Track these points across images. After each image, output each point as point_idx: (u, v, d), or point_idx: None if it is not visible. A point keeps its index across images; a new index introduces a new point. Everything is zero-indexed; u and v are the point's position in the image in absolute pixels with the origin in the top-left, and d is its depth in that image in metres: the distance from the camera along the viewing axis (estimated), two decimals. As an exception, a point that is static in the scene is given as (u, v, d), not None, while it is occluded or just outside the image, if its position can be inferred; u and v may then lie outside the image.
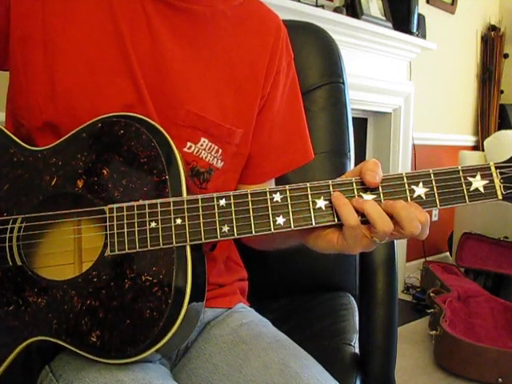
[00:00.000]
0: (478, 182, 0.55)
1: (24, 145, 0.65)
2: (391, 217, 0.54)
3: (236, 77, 0.74)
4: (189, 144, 0.70)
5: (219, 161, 0.73)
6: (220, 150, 0.72)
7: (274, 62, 0.77)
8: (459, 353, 1.87)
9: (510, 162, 0.55)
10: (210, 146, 0.71)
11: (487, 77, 3.31)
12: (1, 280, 0.61)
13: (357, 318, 0.99)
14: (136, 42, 0.68)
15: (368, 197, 0.56)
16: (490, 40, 3.31)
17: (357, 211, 0.54)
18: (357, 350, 0.89)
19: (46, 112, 0.67)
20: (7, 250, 0.61)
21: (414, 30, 2.55)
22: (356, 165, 1.12)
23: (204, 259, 0.61)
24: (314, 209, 0.56)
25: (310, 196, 0.57)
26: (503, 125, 3.26)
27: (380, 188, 0.56)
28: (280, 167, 0.81)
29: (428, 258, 2.98)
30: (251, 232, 0.56)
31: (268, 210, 0.57)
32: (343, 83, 1.09)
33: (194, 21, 0.72)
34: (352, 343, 0.90)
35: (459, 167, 0.56)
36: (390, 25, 2.47)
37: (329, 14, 2.13)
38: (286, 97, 0.80)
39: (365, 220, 0.54)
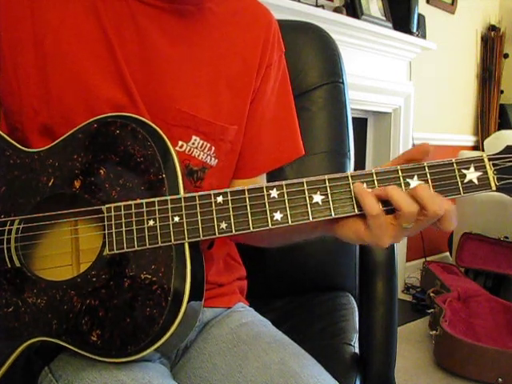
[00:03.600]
0: (472, 174, 0.55)
1: (20, 147, 0.65)
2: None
3: (229, 73, 0.74)
4: (180, 143, 0.70)
5: (213, 158, 0.73)
6: (213, 148, 0.72)
7: (266, 55, 0.77)
8: (459, 353, 1.87)
9: (503, 154, 0.56)
10: (202, 144, 0.71)
11: (487, 77, 3.31)
12: (0, 282, 0.61)
13: (357, 318, 0.99)
14: (124, 43, 0.68)
15: None
16: (490, 40, 3.31)
17: (380, 201, 0.54)
18: (357, 350, 0.89)
19: (41, 114, 0.67)
20: (5, 252, 0.61)
21: (414, 30, 2.55)
22: (356, 165, 1.13)
23: (202, 257, 0.61)
24: (310, 204, 0.56)
25: (306, 191, 0.57)
26: (503, 125, 3.26)
27: (375, 182, 0.56)
28: (271, 162, 0.81)
29: (428, 258, 2.97)
30: (249, 228, 0.57)
31: (265, 206, 0.57)
32: (343, 83, 1.09)
33: (182, 20, 0.72)
34: (352, 343, 0.90)
35: (453, 160, 0.56)
36: (390, 25, 2.47)
37: (329, 14, 2.13)
38: (276, 91, 0.80)
39: (388, 209, 0.54)
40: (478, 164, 0.55)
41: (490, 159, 0.55)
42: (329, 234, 0.62)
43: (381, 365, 0.86)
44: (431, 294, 2.25)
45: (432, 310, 2.17)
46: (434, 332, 1.99)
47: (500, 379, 1.80)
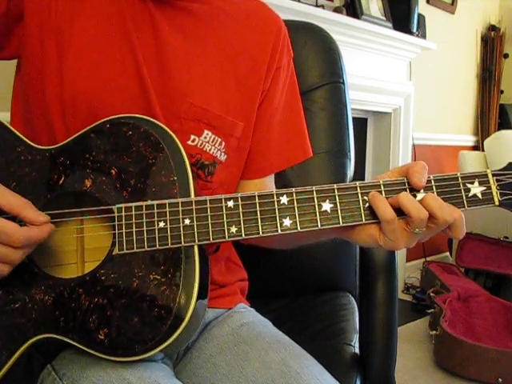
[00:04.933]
0: (476, 189, 0.58)
1: (31, 143, 0.65)
2: None
3: (238, 71, 0.75)
4: (192, 137, 0.71)
5: (222, 154, 0.74)
6: (223, 143, 0.73)
7: (275, 58, 0.78)
8: (459, 353, 1.87)
9: (506, 170, 0.58)
10: (214, 139, 0.72)
11: (487, 77, 3.31)
12: (7, 277, 0.60)
13: (357, 318, 0.99)
14: (141, 36, 0.69)
15: None
16: (490, 40, 3.31)
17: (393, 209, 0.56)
18: (357, 350, 0.89)
19: (57, 100, 0.68)
20: None
21: (414, 30, 2.55)
22: (356, 165, 1.13)
23: (207, 259, 0.62)
24: (319, 212, 0.58)
25: (315, 199, 0.58)
26: (503, 125, 3.26)
27: (383, 193, 0.58)
28: (278, 163, 0.82)
29: (428, 258, 2.98)
30: (258, 233, 0.58)
31: (275, 212, 0.58)
32: (343, 83, 1.09)
33: (195, 17, 0.73)
34: (352, 343, 0.90)
35: (458, 174, 0.58)
36: (390, 25, 2.47)
37: (329, 14, 2.13)
38: (285, 94, 0.81)
39: (401, 217, 0.56)
40: (483, 179, 0.58)
41: (493, 175, 0.58)
42: (342, 238, 0.64)
43: (381, 365, 0.86)
44: (431, 294, 2.25)
45: (432, 310, 2.17)
46: (434, 332, 1.99)
47: (500, 379, 1.80)
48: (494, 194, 0.58)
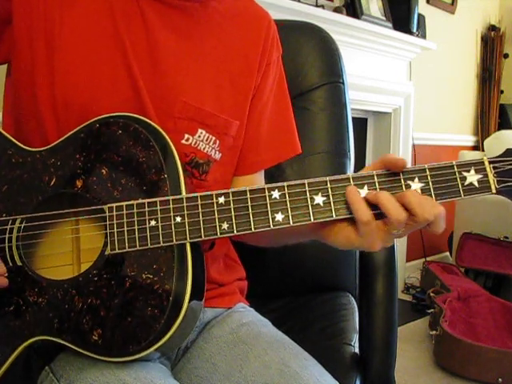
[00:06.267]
0: (473, 177, 0.56)
1: (22, 146, 0.65)
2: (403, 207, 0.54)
3: (231, 69, 0.75)
4: (186, 136, 0.71)
5: (217, 152, 0.74)
6: (218, 142, 0.73)
7: (265, 54, 0.79)
8: (459, 353, 1.87)
9: (503, 157, 0.56)
10: (208, 137, 0.72)
11: (487, 77, 3.31)
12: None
13: (357, 318, 0.99)
14: (132, 36, 0.69)
15: (364, 192, 0.56)
16: (490, 40, 3.31)
17: (370, 204, 0.55)
18: (357, 350, 0.89)
19: (49, 100, 0.67)
20: (7, 251, 0.61)
21: (414, 30, 2.55)
22: (356, 165, 1.13)
23: (203, 257, 0.62)
24: (312, 205, 0.57)
25: (307, 192, 0.57)
26: (503, 125, 3.26)
27: (377, 184, 0.56)
28: (269, 159, 0.82)
29: (428, 258, 2.98)
30: (250, 229, 0.57)
31: (267, 207, 0.57)
32: (343, 83, 1.09)
33: (188, 16, 0.73)
34: (352, 343, 0.90)
35: (454, 162, 0.56)
36: (390, 25, 2.47)
37: (329, 14, 2.13)
38: (274, 90, 0.82)
39: (378, 213, 0.55)
40: (479, 167, 0.56)
41: (490, 162, 0.56)
42: (319, 240, 0.63)
43: (381, 365, 0.86)
44: (431, 294, 2.25)
45: (432, 310, 2.17)
46: (434, 332, 1.99)
47: (500, 379, 1.80)
48: (491, 181, 0.55)
